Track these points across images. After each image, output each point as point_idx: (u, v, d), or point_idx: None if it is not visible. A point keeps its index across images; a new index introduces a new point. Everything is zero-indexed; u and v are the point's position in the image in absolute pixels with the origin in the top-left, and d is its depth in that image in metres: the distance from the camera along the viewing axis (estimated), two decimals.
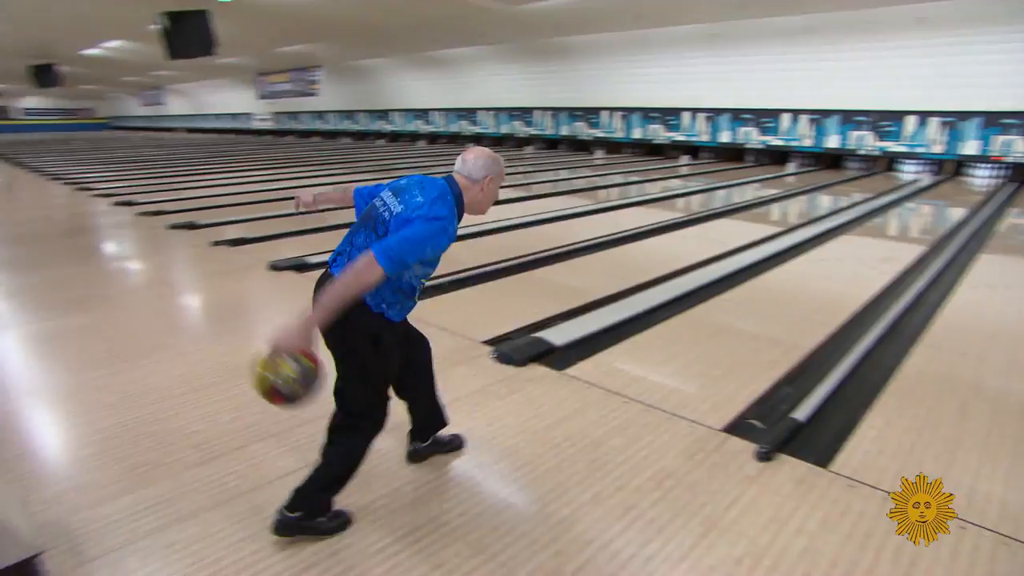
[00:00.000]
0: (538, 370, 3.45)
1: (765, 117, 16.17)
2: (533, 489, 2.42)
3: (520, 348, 3.65)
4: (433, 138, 25.26)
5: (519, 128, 21.88)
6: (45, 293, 5.13)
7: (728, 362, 3.58)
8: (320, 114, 29.69)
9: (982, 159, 13.41)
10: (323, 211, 2.56)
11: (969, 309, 4.65)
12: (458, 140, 24.23)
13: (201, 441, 2.79)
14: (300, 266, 5.62)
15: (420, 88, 24.65)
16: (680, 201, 10.54)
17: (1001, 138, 13.00)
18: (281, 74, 27.74)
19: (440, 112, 24.50)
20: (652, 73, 17.40)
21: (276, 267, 5.61)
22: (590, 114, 19.73)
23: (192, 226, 7.70)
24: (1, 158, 19.89)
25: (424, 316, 4.25)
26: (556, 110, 20.63)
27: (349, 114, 28.37)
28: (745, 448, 2.66)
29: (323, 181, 12.34)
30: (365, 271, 1.93)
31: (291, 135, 31.37)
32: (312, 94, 26.95)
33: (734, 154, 17.44)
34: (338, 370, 2.16)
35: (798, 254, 6.33)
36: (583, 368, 3.46)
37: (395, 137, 26.77)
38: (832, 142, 15.25)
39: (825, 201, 10.72)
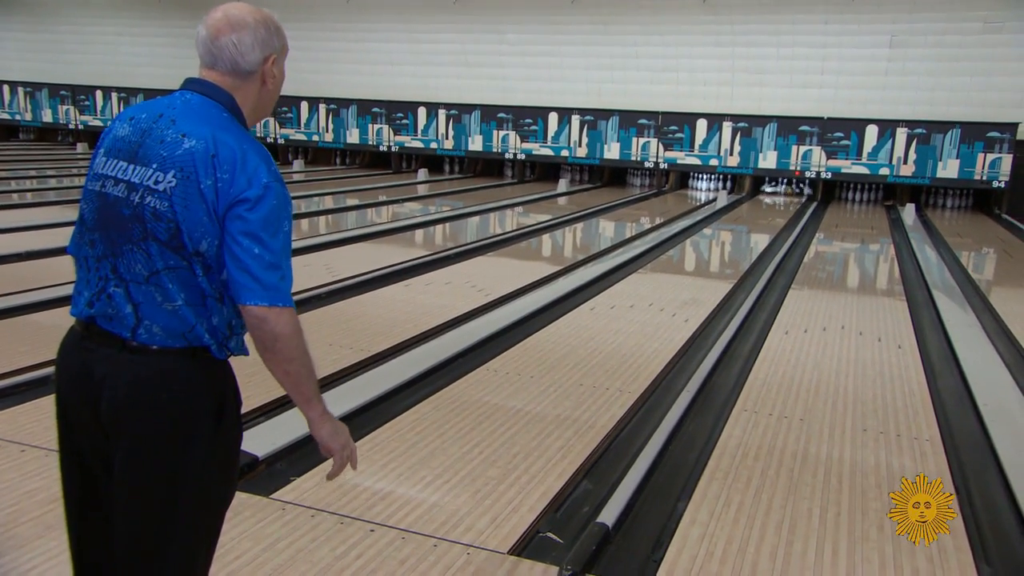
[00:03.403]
0: (238, 497, 3.30)
1: (523, 117, 17.65)
2: None
3: None
4: None
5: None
6: None
7: (506, 456, 3.78)
8: None
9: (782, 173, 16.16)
10: None
11: (785, 360, 5.51)
12: None
13: None
14: None
15: None
16: (420, 234, 10.96)
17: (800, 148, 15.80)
18: None
19: None
20: (373, 50, 18.04)
21: None
22: (280, 106, 19.74)
23: None
24: None
25: (24, 433, 3.85)
26: None
27: None
28: (544, 573, 2.82)
29: None
30: (292, 333, 1.78)
31: None
32: None
33: (489, 167, 18.73)
34: (134, 498, 1.82)
35: (581, 301, 6.95)
36: (303, 488, 3.39)
37: None
38: (612, 152, 17.15)
39: (609, 230, 11.98)
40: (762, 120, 15.99)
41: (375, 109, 18.76)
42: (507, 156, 18.05)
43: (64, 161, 18.32)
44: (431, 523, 3.13)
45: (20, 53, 22.47)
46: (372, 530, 3.06)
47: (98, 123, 21.91)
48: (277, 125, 19.79)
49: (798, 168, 15.86)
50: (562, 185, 17.33)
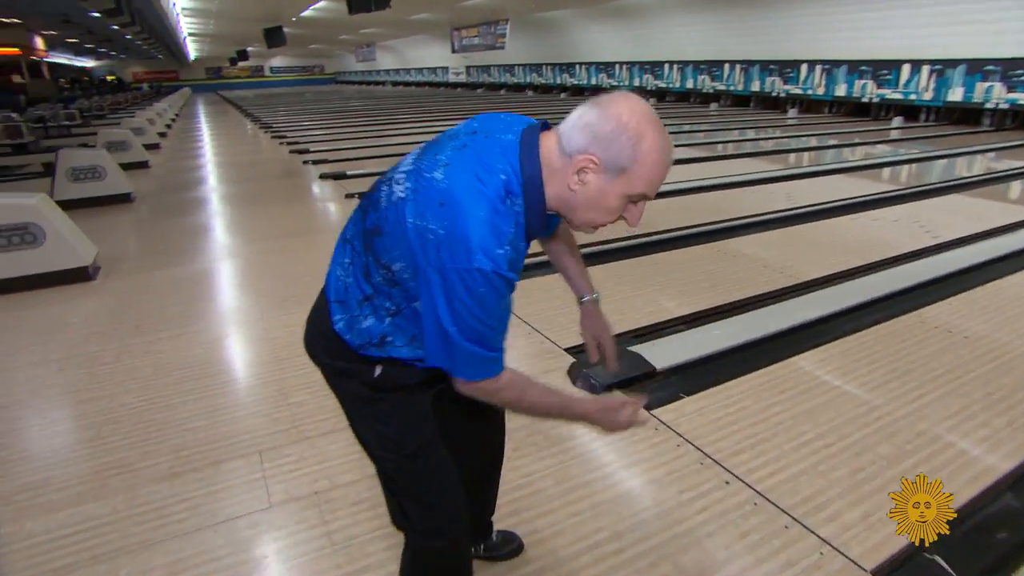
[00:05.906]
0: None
1: (1017, 69, 12.62)
2: None
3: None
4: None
5: (706, 83, 19.63)
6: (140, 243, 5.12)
7: (903, 438, 2.31)
8: (509, 67, 29.40)
9: None
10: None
11: None
12: (641, 95, 22.55)
13: (183, 445, 2.28)
14: None
15: (604, 40, 23.15)
16: (888, 171, 8.42)
17: None
18: (472, 28, 27.66)
19: (624, 65, 22.88)
20: (862, 19, 14.36)
21: None
22: (786, 68, 17.01)
23: (340, 176, 7.54)
24: (240, 110, 22.17)
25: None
26: (748, 63, 18.08)
27: (536, 67, 27.71)
28: None
29: None
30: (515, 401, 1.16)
31: (481, 88, 31.53)
32: (499, 47, 26.56)
33: (965, 115, 13.97)
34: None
35: None
36: (682, 411, 2.42)
37: (578, 90, 25.62)
38: None
39: None
40: None
41: (862, 67, 15.06)
42: (988, 106, 13.14)
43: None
44: (789, 496, 1.95)
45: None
46: (727, 482, 2.00)
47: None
48: (780, 80, 17.15)
49: None
50: None
